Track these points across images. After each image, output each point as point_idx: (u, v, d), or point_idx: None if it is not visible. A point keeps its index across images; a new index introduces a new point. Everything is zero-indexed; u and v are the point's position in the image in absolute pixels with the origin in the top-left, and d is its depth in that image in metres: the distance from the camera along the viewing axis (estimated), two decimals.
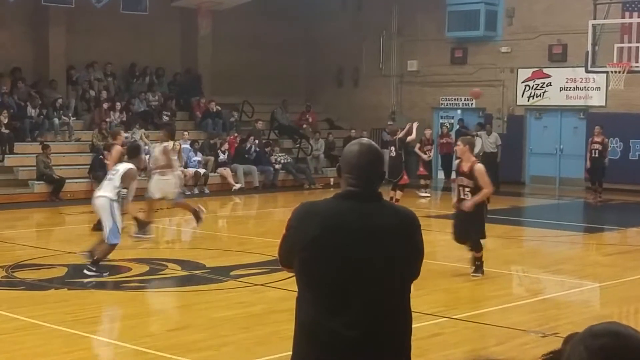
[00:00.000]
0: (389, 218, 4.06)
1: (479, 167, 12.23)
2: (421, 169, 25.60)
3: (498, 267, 14.18)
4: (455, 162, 13.38)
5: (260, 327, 9.87)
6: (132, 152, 14.23)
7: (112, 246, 12.75)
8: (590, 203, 23.52)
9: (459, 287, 12.56)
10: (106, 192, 12.77)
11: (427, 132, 26.12)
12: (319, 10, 32.08)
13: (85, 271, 12.54)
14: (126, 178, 12.84)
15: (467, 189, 12.29)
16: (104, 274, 12.64)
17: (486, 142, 27.05)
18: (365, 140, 4.28)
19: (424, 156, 25.41)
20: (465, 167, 12.31)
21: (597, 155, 23.25)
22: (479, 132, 27.15)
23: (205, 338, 9.45)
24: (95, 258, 12.64)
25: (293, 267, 4.07)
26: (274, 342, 9.39)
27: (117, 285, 12.44)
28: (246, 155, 26.87)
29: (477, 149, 28.71)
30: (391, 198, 21.10)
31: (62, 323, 10.00)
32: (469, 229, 12.64)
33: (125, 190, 12.87)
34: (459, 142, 12.79)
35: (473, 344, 9.63)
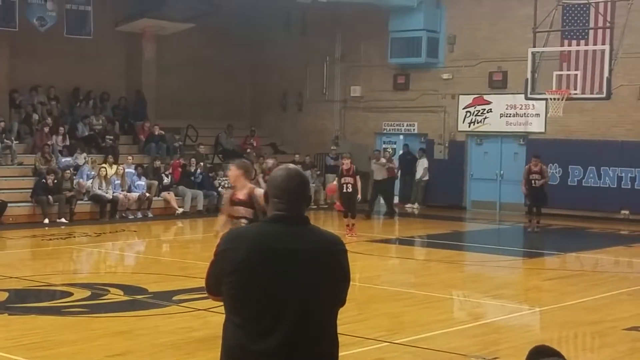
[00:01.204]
0: (317, 242, 4.11)
1: (260, 191, 10.02)
2: (337, 203, 22.79)
3: (439, 292, 14.29)
4: (226, 191, 11.25)
5: (204, 353, 9.79)
6: None
7: None
8: (528, 231, 23.26)
9: (401, 311, 12.60)
10: None
11: (345, 162, 21.72)
12: (263, 35, 32.18)
13: None
14: None
15: (244, 220, 10.27)
16: None
17: (377, 169, 26.74)
18: (291, 165, 4.36)
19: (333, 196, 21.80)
20: (241, 194, 10.38)
21: (536, 185, 22.63)
22: (374, 160, 27.12)
23: None
24: None
25: (220, 294, 4.10)
26: None
27: (58, 311, 12.26)
28: (192, 178, 26.84)
29: (419, 174, 29.32)
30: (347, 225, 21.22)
31: (2, 349, 9.86)
32: None
33: None
34: (231, 167, 10.84)
35: None
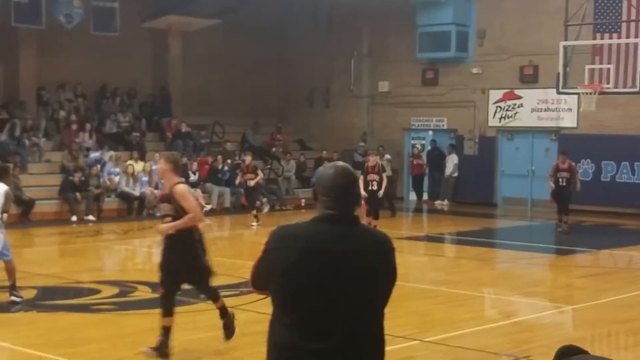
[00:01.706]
0: (366, 241, 4.11)
1: (180, 187, 9.37)
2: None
3: (470, 290, 14.14)
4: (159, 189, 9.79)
5: (231, 351, 9.79)
6: (2, 172, 13.02)
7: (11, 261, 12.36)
8: (559, 231, 22.24)
9: (432, 309, 12.50)
10: None
11: (371, 159, 21.68)
12: (290, 31, 32.10)
13: (13, 299, 12.22)
14: (8, 200, 12.31)
15: (168, 218, 9.37)
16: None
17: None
18: (340, 163, 4.33)
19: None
20: (166, 189, 9.51)
21: (564, 184, 21.45)
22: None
23: None
24: (12, 283, 12.30)
25: (265, 289, 4.09)
26: None
27: (86, 307, 12.34)
28: (219, 176, 26.79)
29: (448, 170, 29.10)
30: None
31: (32, 346, 9.91)
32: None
33: (5, 215, 12.38)
34: (159, 160, 9.87)
35: None
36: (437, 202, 29.34)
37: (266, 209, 26.01)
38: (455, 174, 29.17)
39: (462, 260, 18.15)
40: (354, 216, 4.13)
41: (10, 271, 12.21)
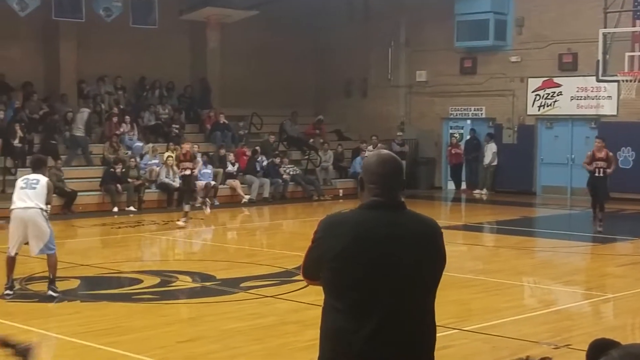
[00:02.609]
0: (415, 226, 4.13)
1: None
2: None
3: (510, 279, 14.13)
4: None
5: (271, 339, 9.84)
6: (39, 163, 12.83)
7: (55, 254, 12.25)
8: (598, 230, 19.76)
9: (470, 298, 12.48)
10: (37, 202, 12.02)
11: (185, 147, 21.88)
12: (327, 21, 32.09)
13: (50, 293, 12.09)
14: (50, 191, 12.28)
15: None
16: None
17: None
18: (384, 150, 4.37)
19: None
20: None
21: (601, 174, 19.21)
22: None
23: (216, 350, 9.43)
24: (52, 277, 12.21)
25: (317, 279, 4.12)
26: (285, 353, 9.37)
27: (128, 297, 12.45)
28: (258, 169, 26.91)
29: (487, 159, 28.99)
30: None
31: (75, 335, 10.04)
32: None
33: (49, 206, 12.34)
34: None
35: (484, 356, 9.56)
36: (476, 191, 29.26)
37: (208, 210, 22.38)
38: (494, 163, 29.05)
39: (501, 249, 18.11)
40: (400, 202, 4.15)
41: (52, 265, 12.28)
